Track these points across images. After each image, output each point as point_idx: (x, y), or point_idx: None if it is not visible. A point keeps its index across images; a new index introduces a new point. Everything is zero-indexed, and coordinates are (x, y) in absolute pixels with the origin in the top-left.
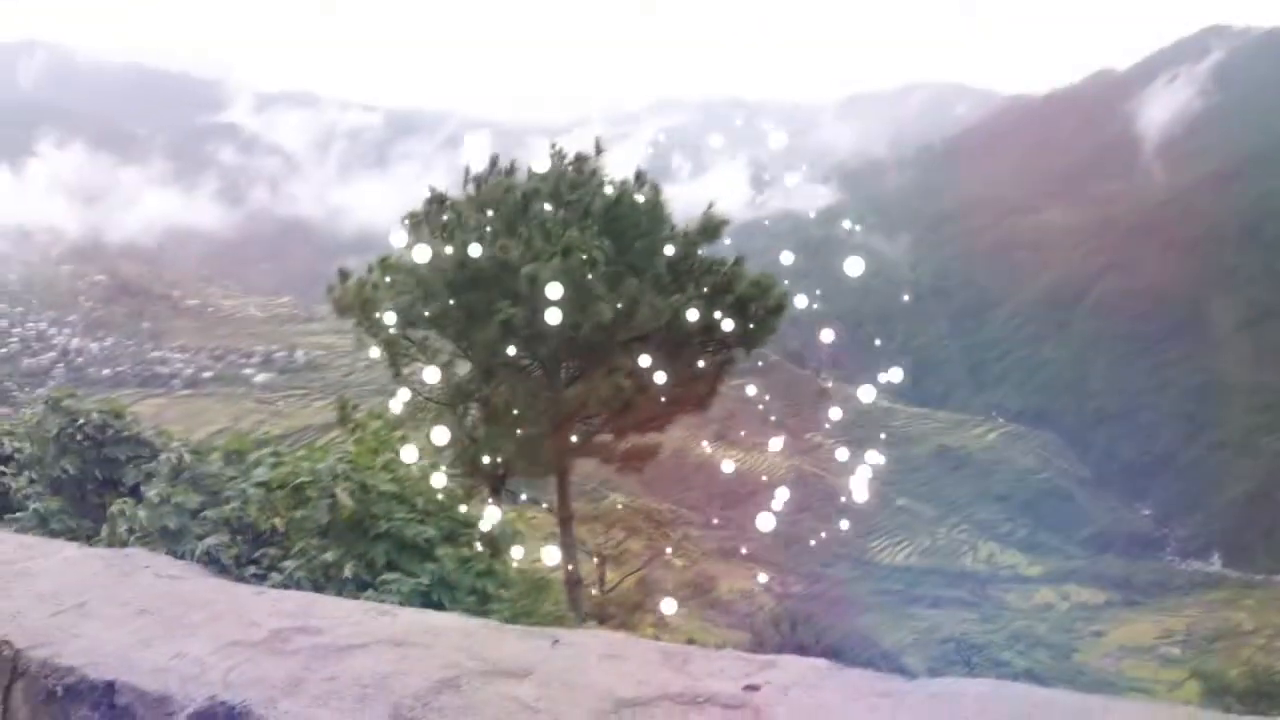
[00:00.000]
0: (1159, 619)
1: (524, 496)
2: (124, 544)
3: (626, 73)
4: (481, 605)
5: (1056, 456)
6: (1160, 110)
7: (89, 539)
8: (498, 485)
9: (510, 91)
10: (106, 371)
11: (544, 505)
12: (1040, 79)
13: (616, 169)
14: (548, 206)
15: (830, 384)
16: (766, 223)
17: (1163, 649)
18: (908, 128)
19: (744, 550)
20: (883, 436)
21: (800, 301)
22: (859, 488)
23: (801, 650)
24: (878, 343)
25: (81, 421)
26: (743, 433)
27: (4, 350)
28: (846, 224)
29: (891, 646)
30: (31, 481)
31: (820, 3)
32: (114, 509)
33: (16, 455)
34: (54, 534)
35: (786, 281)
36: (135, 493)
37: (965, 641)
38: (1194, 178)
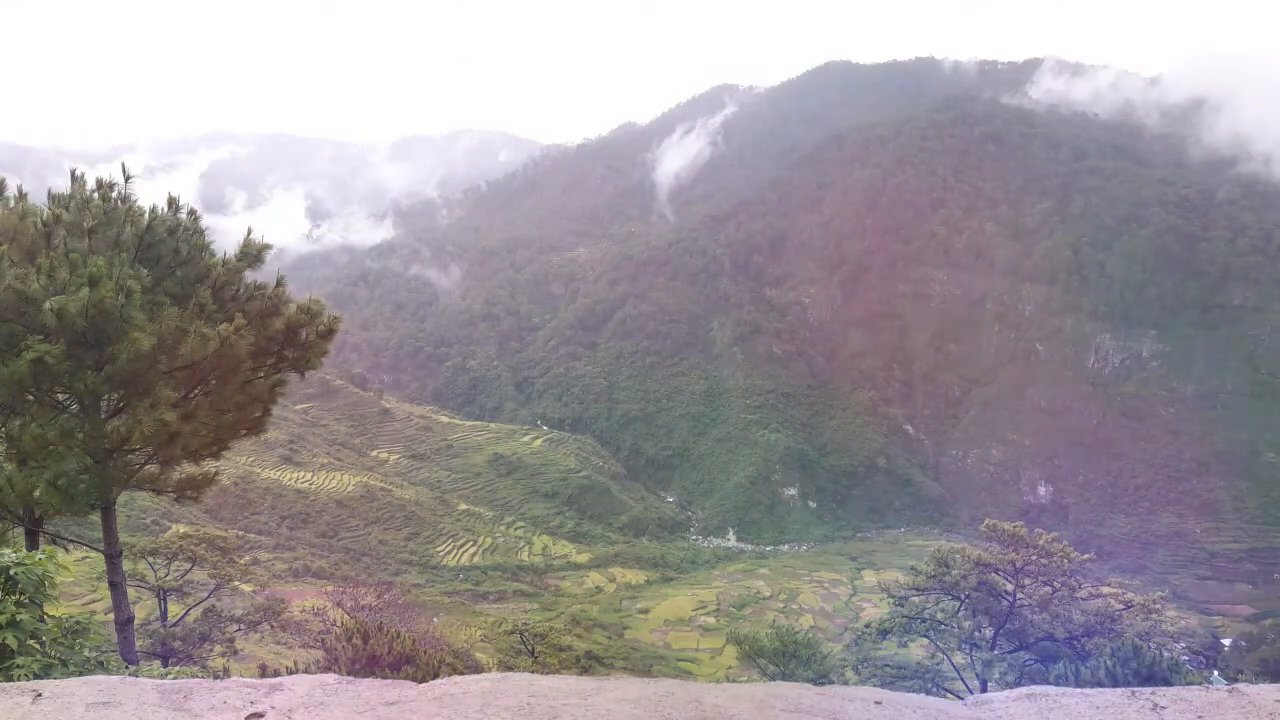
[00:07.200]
0: (693, 592)
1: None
2: None
3: (176, 102)
4: (4, 662)
5: (593, 456)
6: (674, 159)
7: None
8: (35, 528)
9: (47, 116)
10: None
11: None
12: (575, 129)
13: (165, 197)
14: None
15: (392, 404)
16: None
17: (701, 619)
18: (456, 170)
19: (315, 568)
20: (444, 448)
21: (358, 327)
22: (423, 497)
23: (374, 661)
24: (435, 364)
25: None
26: (310, 454)
27: None
28: (400, 257)
29: (464, 645)
30: None
31: (375, 48)
32: None
33: None
34: None
35: (339, 309)
36: None
37: (529, 632)
38: (697, 219)
